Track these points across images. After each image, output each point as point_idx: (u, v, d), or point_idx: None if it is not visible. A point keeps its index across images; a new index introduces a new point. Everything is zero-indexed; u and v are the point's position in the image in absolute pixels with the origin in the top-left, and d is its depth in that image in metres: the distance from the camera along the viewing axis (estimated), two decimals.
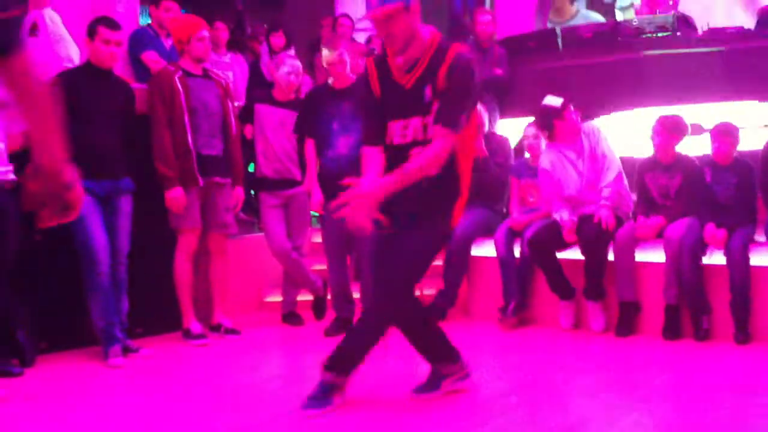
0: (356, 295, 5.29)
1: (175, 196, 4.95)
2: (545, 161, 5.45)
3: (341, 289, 5.31)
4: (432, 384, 3.75)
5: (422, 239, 3.49)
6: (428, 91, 3.42)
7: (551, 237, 5.25)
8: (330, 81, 5.27)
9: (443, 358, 3.73)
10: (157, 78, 5.08)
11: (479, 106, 5.82)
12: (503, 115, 6.75)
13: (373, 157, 3.52)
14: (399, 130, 3.50)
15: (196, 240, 5.12)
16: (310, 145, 5.28)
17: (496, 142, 5.86)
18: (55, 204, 1.97)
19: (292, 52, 7.07)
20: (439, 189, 3.45)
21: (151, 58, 5.77)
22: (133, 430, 3.47)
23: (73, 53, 5.49)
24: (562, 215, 5.27)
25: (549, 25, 8.11)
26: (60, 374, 4.38)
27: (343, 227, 5.13)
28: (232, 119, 5.22)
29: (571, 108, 5.36)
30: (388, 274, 3.50)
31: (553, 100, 5.39)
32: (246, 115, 5.57)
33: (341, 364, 3.55)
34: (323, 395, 3.53)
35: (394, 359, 4.15)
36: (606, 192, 5.24)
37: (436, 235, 3.57)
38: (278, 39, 7.17)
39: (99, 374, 4.39)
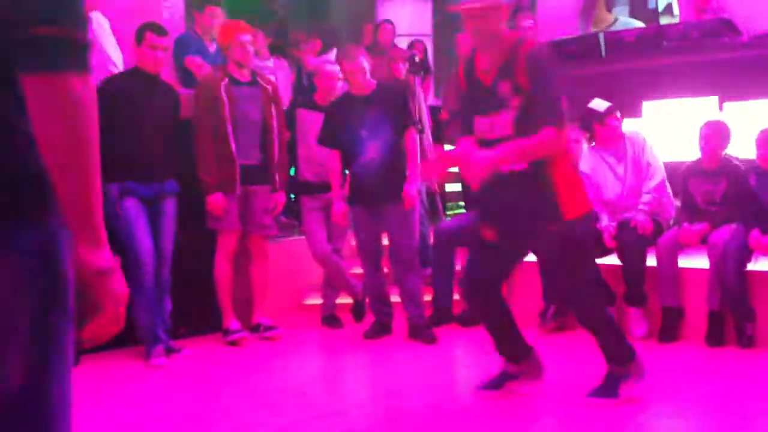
0: (395, 298, 5.31)
1: (216, 201, 5.02)
2: (585, 165, 5.41)
3: (377, 292, 5.32)
4: (608, 388, 3.74)
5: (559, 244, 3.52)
6: (505, 88, 3.48)
7: (590, 239, 5.19)
8: (349, 89, 5.26)
9: (620, 358, 3.73)
10: (202, 86, 5.14)
11: None
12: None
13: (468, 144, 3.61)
14: (486, 126, 3.56)
15: (234, 241, 5.18)
16: (335, 156, 5.24)
17: None
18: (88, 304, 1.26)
19: (332, 56, 7.12)
20: (532, 203, 3.52)
21: (195, 63, 5.85)
22: (174, 429, 3.52)
23: (116, 58, 5.59)
24: (602, 221, 5.23)
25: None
26: (103, 374, 4.45)
27: (378, 233, 5.21)
28: (275, 126, 5.26)
29: (617, 114, 5.32)
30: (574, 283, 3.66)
31: (599, 104, 5.35)
32: (288, 119, 5.62)
33: (615, 356, 3.70)
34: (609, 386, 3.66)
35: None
36: (646, 198, 5.20)
37: (561, 236, 3.51)
38: (315, 44, 7.24)
39: (141, 374, 4.46)
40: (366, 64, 5.14)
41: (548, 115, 3.41)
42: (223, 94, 5.02)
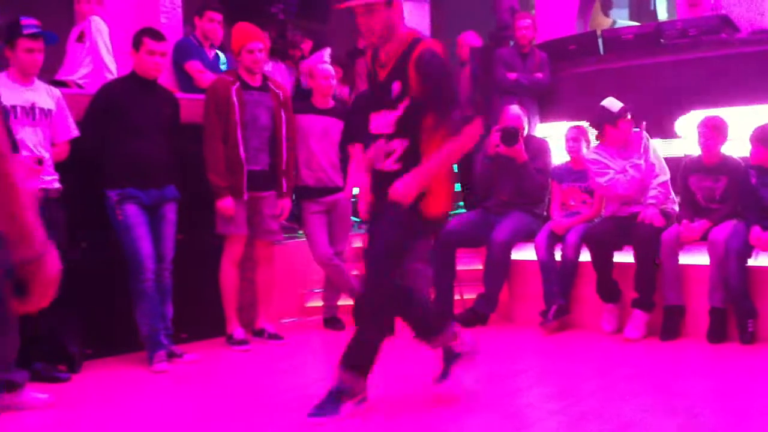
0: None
1: (226, 205, 5.02)
2: (591, 155, 5.45)
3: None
4: (444, 373, 3.75)
5: (387, 227, 3.50)
6: (396, 86, 3.48)
7: (612, 235, 5.21)
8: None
9: (440, 329, 3.70)
10: (213, 89, 5.12)
11: (518, 109, 5.82)
12: (544, 119, 6.72)
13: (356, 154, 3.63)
14: (375, 122, 3.59)
15: (241, 247, 5.19)
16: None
17: (535, 146, 5.83)
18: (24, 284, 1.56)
19: (326, 55, 7.11)
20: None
21: (195, 68, 5.85)
22: None
23: (110, 63, 5.60)
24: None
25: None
26: (106, 380, 4.46)
27: None
28: (284, 131, 5.25)
29: (628, 116, 5.33)
30: (368, 263, 3.59)
31: (612, 104, 5.35)
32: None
33: (351, 361, 3.55)
34: (332, 402, 3.51)
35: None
36: (653, 192, 5.21)
37: (401, 224, 3.48)
38: (307, 45, 7.26)
39: (144, 380, 4.46)
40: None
41: (439, 114, 3.42)
42: (234, 98, 5.03)
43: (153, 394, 4.23)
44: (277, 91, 5.27)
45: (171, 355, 4.74)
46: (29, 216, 1.52)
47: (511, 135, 5.60)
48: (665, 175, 5.32)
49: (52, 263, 1.55)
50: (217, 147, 5.02)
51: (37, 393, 3.94)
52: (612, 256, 5.21)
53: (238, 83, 5.08)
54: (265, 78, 5.27)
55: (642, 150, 5.28)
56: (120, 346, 4.93)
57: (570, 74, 6.82)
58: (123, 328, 4.80)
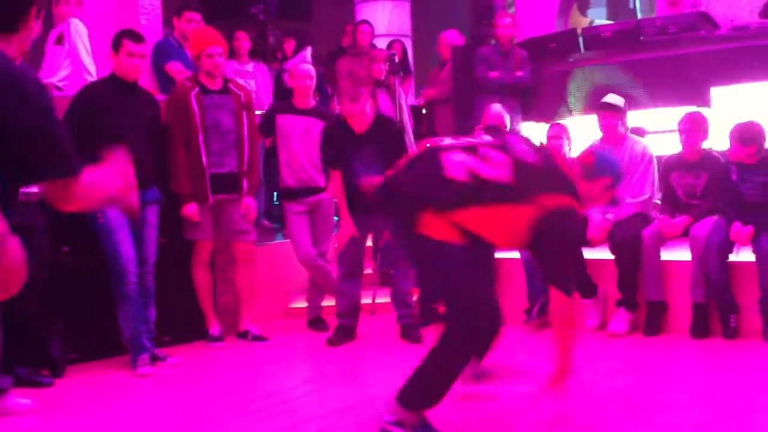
0: (385, 299, 5.32)
1: (190, 212, 5.02)
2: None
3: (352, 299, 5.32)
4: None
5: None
6: None
7: (581, 232, 5.22)
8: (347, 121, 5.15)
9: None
10: (173, 96, 5.12)
11: (500, 108, 5.82)
12: (526, 117, 6.74)
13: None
14: None
15: (208, 250, 5.21)
16: (337, 177, 5.17)
17: None
18: None
19: (308, 54, 7.11)
20: None
21: (176, 69, 5.83)
22: None
23: (89, 65, 5.57)
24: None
25: None
26: (90, 384, 4.43)
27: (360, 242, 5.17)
28: (245, 133, 5.17)
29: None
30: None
31: (616, 100, 5.37)
32: (267, 126, 5.59)
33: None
34: None
35: None
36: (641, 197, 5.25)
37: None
38: (290, 44, 7.25)
39: (127, 383, 4.44)
40: (369, 109, 5.08)
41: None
42: (194, 104, 5.00)
43: (137, 397, 4.21)
44: (238, 92, 5.22)
45: (154, 359, 4.72)
46: None
47: (494, 134, 5.60)
48: (653, 184, 5.34)
49: (13, 252, 1.57)
50: (179, 154, 5.00)
51: (20, 398, 3.91)
52: (582, 253, 5.22)
53: (197, 88, 5.05)
54: (225, 81, 5.24)
55: (634, 156, 5.30)
56: (103, 350, 4.90)
57: (551, 72, 6.85)
58: (106, 332, 4.78)
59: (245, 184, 5.20)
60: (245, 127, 5.19)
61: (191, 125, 4.99)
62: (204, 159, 5.02)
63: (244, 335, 5.30)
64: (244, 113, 5.20)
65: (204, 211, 5.08)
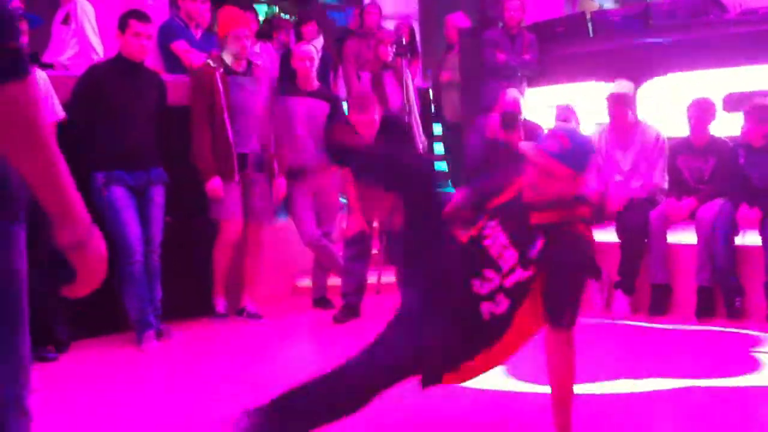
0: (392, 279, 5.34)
1: (214, 186, 5.02)
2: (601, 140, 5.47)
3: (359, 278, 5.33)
4: None
5: None
6: None
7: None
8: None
9: None
10: (198, 75, 5.13)
11: (516, 93, 5.79)
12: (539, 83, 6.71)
13: None
14: None
15: (237, 231, 5.20)
16: (347, 173, 5.14)
17: (528, 129, 5.80)
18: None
19: (320, 41, 7.08)
20: None
21: (181, 48, 5.82)
22: (166, 412, 3.53)
23: (97, 45, 5.57)
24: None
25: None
26: (95, 359, 4.46)
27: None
28: (270, 115, 5.25)
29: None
30: None
31: (625, 86, 5.36)
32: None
33: None
34: None
35: None
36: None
37: None
38: (310, 29, 7.20)
39: (133, 359, 4.47)
40: (377, 116, 5.06)
41: None
42: (219, 84, 5.03)
43: (142, 373, 4.23)
44: (261, 75, 5.26)
45: (159, 334, 4.74)
46: (74, 196, 1.47)
47: (511, 120, 5.59)
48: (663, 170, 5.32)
49: (98, 245, 1.51)
50: (204, 132, 5.02)
51: None
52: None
53: (222, 69, 5.08)
54: (249, 63, 5.26)
55: (647, 141, 5.28)
56: (108, 327, 4.92)
57: (559, 55, 6.82)
58: (112, 309, 4.79)
59: (276, 165, 5.26)
60: (270, 109, 5.22)
61: (216, 105, 5.02)
62: (231, 138, 5.04)
63: (240, 312, 5.34)
64: (268, 95, 5.23)
65: (231, 190, 5.09)
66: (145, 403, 3.66)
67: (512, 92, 5.82)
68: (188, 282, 5.21)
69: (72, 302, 4.52)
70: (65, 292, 1.56)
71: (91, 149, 4.66)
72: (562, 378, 2.82)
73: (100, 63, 5.01)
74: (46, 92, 4.44)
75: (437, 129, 7.89)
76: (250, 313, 5.33)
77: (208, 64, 5.14)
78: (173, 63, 5.80)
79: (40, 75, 4.47)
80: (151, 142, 4.81)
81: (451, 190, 7.09)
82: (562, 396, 2.82)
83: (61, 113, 4.53)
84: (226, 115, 5.03)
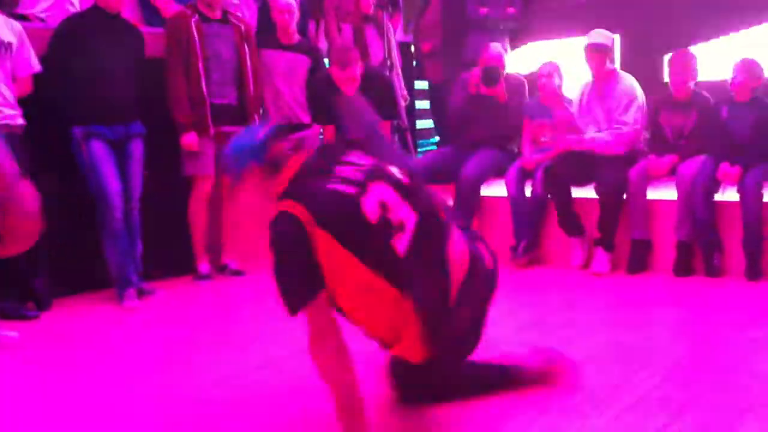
0: None
1: (189, 141, 4.96)
2: (578, 97, 5.47)
3: None
4: None
5: None
6: None
7: (569, 169, 5.22)
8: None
9: None
10: (173, 23, 5.05)
11: (499, 47, 5.74)
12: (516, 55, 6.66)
13: None
14: None
15: (209, 186, 5.16)
16: (330, 131, 5.22)
17: (512, 84, 5.76)
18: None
19: None
20: None
21: (161, 0, 5.71)
22: (149, 369, 3.53)
23: None
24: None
25: None
26: (76, 317, 4.44)
27: None
28: (248, 66, 5.17)
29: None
30: None
31: (604, 37, 5.32)
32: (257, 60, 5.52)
33: None
34: None
35: None
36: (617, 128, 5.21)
37: None
38: None
39: (114, 317, 4.46)
40: (359, 72, 5.01)
41: None
42: (194, 31, 4.94)
43: (123, 330, 4.22)
44: (238, 24, 5.18)
45: (141, 293, 4.73)
46: None
47: (493, 75, 5.54)
48: (636, 111, 5.29)
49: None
50: (179, 82, 4.95)
51: (5, 331, 3.92)
52: (569, 191, 5.24)
53: (197, 16, 4.99)
54: (224, 12, 5.16)
55: (629, 103, 5.26)
56: (89, 284, 4.90)
57: (542, 8, 6.76)
58: (92, 266, 4.76)
59: (255, 118, 5.20)
60: (247, 59, 5.15)
61: (191, 53, 4.94)
62: (204, 88, 4.97)
63: (222, 269, 5.32)
64: (245, 45, 5.15)
65: (205, 144, 5.03)
66: (126, 362, 3.65)
67: (495, 46, 5.78)
68: (170, 239, 5.18)
69: (53, 258, 4.53)
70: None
71: (69, 103, 4.59)
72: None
73: (74, 15, 4.90)
74: (21, 44, 4.35)
75: (420, 84, 7.83)
76: (232, 269, 5.32)
77: (183, 12, 5.05)
78: (151, 15, 5.70)
79: (16, 26, 4.38)
80: (129, 95, 4.74)
81: (434, 147, 7.07)
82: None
83: (37, 67, 4.44)
84: (201, 65, 4.95)
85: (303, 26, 6.30)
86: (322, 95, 5.14)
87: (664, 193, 5.12)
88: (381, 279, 2.34)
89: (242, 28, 5.19)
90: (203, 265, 5.25)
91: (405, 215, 2.40)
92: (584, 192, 5.28)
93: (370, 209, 2.36)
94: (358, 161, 2.51)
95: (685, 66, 5.16)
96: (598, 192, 5.17)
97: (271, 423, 2.86)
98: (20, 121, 4.30)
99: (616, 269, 5.12)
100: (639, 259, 5.08)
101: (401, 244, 2.36)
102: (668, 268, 4.96)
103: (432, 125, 7.84)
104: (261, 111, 5.37)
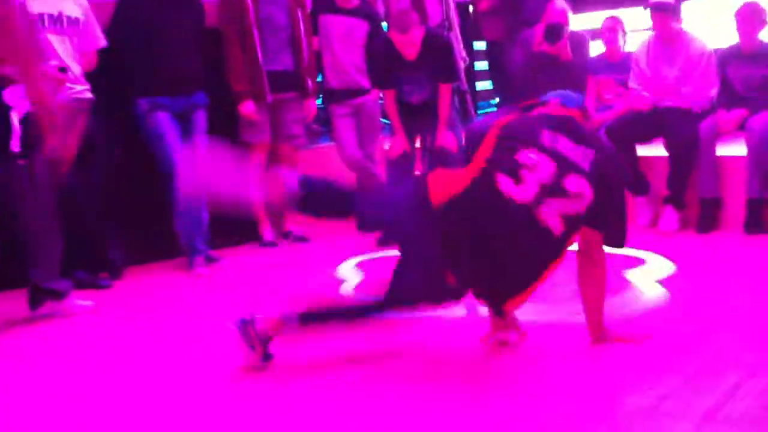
0: None
1: (247, 110, 5.00)
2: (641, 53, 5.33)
3: None
4: None
5: None
6: None
7: (632, 127, 5.13)
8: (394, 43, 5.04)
9: None
10: None
11: (563, 3, 5.63)
12: (578, 10, 6.52)
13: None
14: None
15: (265, 153, 5.20)
16: (389, 96, 5.20)
17: (574, 41, 5.66)
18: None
19: None
20: None
21: None
22: (216, 333, 3.59)
23: None
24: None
25: None
26: (147, 285, 4.55)
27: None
28: (302, 31, 5.18)
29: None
30: None
31: None
32: (311, 26, 5.52)
33: None
34: None
35: None
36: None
37: None
38: None
39: (185, 283, 4.56)
40: (419, 35, 4.94)
41: None
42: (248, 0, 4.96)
43: (192, 297, 4.31)
44: None
45: (209, 260, 4.81)
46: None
47: (556, 32, 5.45)
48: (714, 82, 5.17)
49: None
50: (236, 51, 4.99)
51: (80, 300, 4.03)
52: (635, 148, 5.14)
53: None
54: None
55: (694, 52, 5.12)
56: (160, 253, 5.00)
57: None
58: (163, 235, 4.86)
59: (309, 84, 5.20)
60: (301, 24, 5.15)
61: (245, 21, 4.96)
62: (260, 56, 4.99)
63: (286, 236, 5.38)
64: (299, 10, 5.15)
65: (262, 111, 5.07)
66: (194, 328, 3.73)
67: (559, 2, 5.67)
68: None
69: (125, 229, 4.63)
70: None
71: (134, 76, 4.66)
72: (594, 296, 2.93)
73: None
74: (88, 19, 4.41)
75: (479, 45, 7.73)
76: (296, 236, 5.37)
77: None
78: None
79: (82, 1, 4.43)
80: (192, 66, 4.80)
81: (494, 108, 6.99)
82: (594, 308, 2.95)
83: (103, 41, 4.51)
84: (256, 33, 4.98)
85: None
86: (382, 60, 5.12)
87: (733, 149, 5.00)
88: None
89: None
90: (267, 232, 5.32)
91: None
92: (649, 150, 5.17)
93: None
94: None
95: (754, 17, 5.00)
96: (668, 148, 5.07)
97: (340, 381, 2.88)
98: (89, 95, 4.39)
99: (684, 228, 5.02)
100: (709, 218, 4.98)
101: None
102: (739, 226, 4.85)
103: (491, 86, 7.75)
104: (316, 76, 5.38)
